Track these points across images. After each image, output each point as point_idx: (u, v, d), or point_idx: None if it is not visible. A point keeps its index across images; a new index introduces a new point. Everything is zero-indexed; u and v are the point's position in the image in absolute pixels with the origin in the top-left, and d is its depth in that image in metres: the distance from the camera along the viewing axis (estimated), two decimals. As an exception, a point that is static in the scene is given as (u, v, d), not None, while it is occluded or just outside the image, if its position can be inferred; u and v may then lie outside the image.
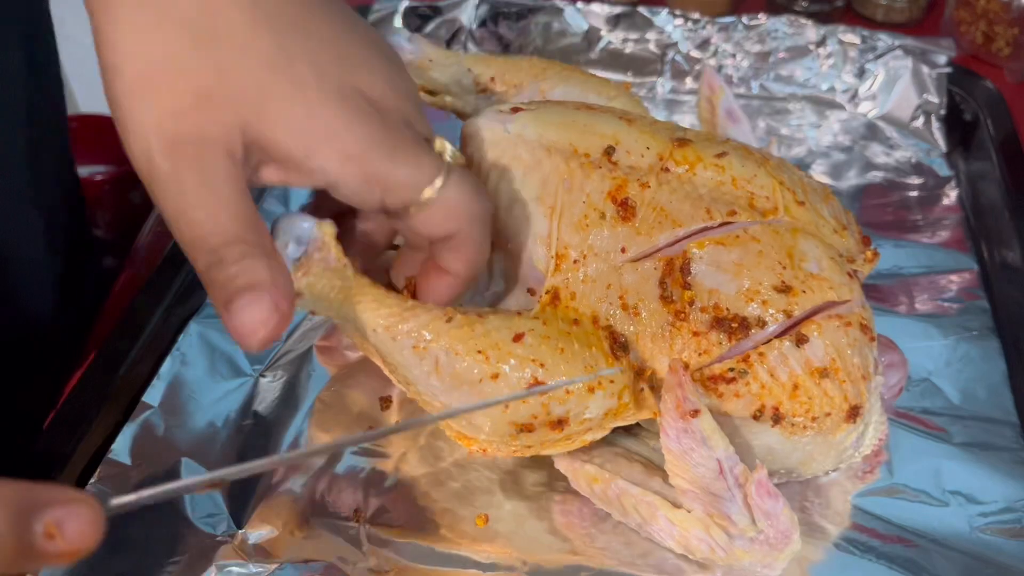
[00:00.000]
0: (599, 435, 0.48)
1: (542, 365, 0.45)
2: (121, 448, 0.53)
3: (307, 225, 0.42)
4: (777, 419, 0.46)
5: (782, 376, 0.46)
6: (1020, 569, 0.49)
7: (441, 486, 0.53)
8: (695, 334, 0.47)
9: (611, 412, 0.47)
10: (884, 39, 0.81)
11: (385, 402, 0.58)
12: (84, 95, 1.20)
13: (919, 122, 0.80)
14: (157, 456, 0.54)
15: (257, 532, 0.51)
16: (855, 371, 0.47)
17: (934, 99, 0.79)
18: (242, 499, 0.52)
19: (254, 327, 0.37)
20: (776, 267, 0.47)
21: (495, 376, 0.45)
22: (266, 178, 0.41)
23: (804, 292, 0.47)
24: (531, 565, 0.49)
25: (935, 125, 0.79)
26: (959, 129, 0.79)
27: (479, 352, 0.45)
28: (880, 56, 0.81)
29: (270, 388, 0.58)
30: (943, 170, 0.76)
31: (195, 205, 0.38)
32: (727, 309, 0.46)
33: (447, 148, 0.44)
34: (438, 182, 0.42)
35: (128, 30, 0.38)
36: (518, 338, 0.45)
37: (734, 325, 0.46)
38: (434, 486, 0.53)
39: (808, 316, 0.47)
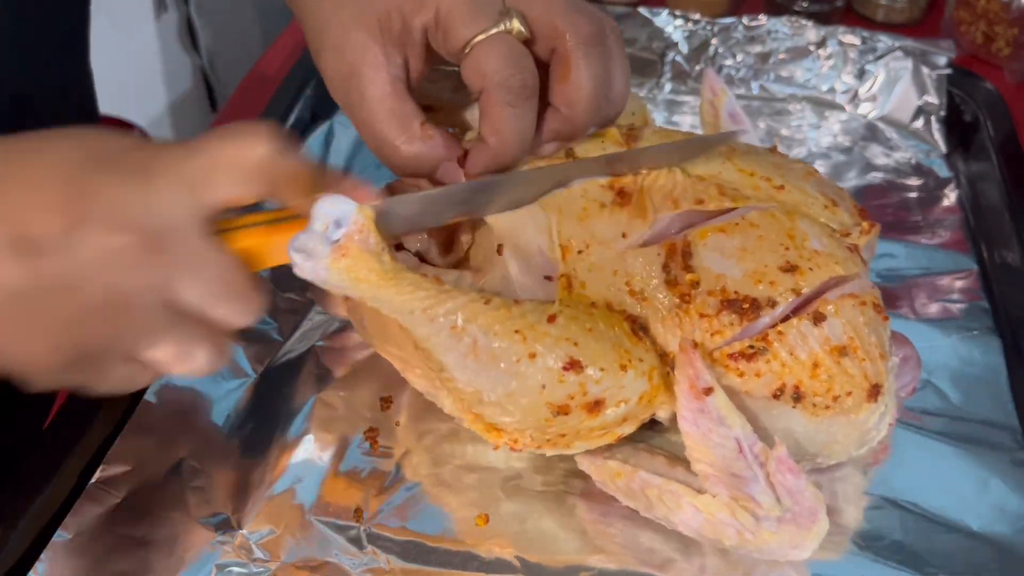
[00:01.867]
0: (630, 428, 0.48)
1: (575, 344, 0.45)
2: (121, 448, 0.53)
3: (348, 208, 0.42)
4: (798, 398, 0.46)
5: (801, 354, 0.46)
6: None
7: (442, 486, 0.53)
8: (703, 316, 0.47)
9: (645, 396, 0.47)
10: (884, 40, 0.81)
11: (386, 402, 0.58)
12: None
13: (919, 123, 0.80)
14: (157, 456, 0.54)
15: (257, 532, 0.51)
16: (873, 349, 0.47)
17: (934, 100, 0.79)
18: (242, 499, 0.52)
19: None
20: (779, 248, 0.48)
21: (532, 356, 0.45)
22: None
23: (811, 270, 0.47)
24: (532, 565, 0.50)
25: (935, 126, 0.79)
26: (959, 130, 0.79)
27: (516, 332, 0.45)
28: (880, 57, 0.81)
29: (270, 388, 0.58)
30: (943, 171, 0.77)
31: None
32: (735, 292, 0.47)
33: (515, 23, 0.47)
34: (479, 37, 0.46)
35: None
36: (551, 319, 0.46)
37: (745, 306, 0.47)
38: (435, 486, 0.53)
39: (818, 293, 0.47)
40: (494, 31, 0.46)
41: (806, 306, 0.47)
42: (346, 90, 0.49)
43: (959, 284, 0.66)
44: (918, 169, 0.77)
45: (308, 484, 0.53)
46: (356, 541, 0.50)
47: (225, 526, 0.51)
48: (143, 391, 0.56)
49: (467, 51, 0.47)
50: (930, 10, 0.94)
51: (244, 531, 0.51)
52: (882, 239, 0.68)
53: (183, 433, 0.55)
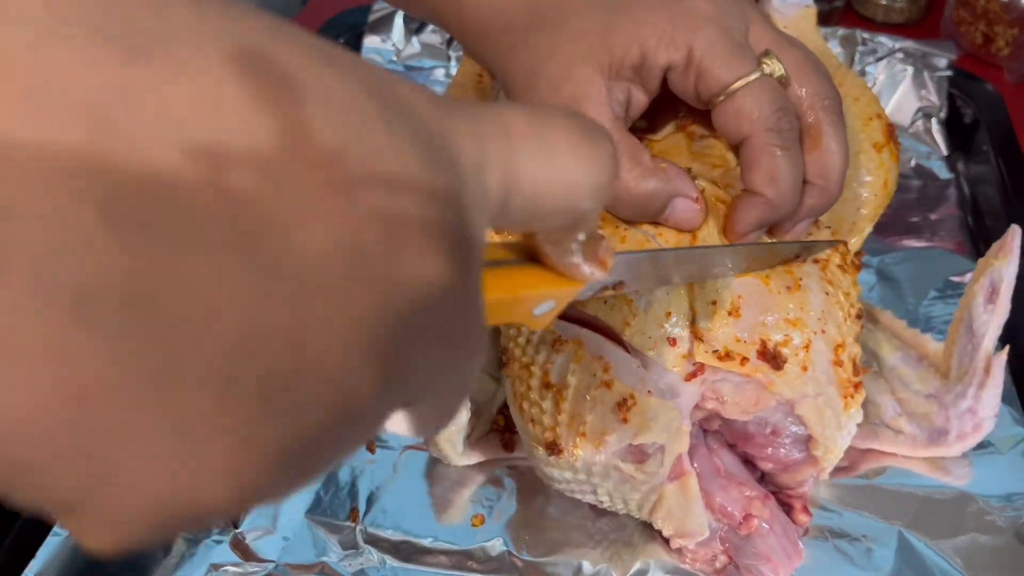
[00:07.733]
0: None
1: None
2: (118, 447, 0.53)
3: None
4: None
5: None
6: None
7: (438, 486, 0.53)
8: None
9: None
10: (884, 42, 0.81)
11: (382, 402, 0.57)
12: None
13: (919, 125, 0.80)
14: (154, 455, 0.54)
15: (253, 531, 0.51)
16: None
17: (934, 102, 0.79)
18: (239, 499, 0.52)
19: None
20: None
21: None
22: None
23: None
24: (528, 563, 0.49)
25: (935, 128, 0.79)
26: (959, 132, 0.79)
27: None
28: (881, 59, 0.81)
29: (267, 388, 0.58)
30: (943, 173, 0.76)
31: None
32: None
33: (777, 65, 0.44)
34: (740, 82, 0.43)
35: None
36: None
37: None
38: (431, 485, 0.53)
39: None
40: (756, 75, 0.43)
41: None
42: None
43: (959, 286, 0.66)
44: (918, 170, 0.77)
45: (305, 484, 0.53)
46: (352, 541, 0.50)
47: (222, 526, 0.51)
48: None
49: (723, 97, 0.43)
50: (930, 10, 0.94)
51: (240, 530, 0.51)
52: (881, 240, 0.68)
53: (180, 432, 0.55)
